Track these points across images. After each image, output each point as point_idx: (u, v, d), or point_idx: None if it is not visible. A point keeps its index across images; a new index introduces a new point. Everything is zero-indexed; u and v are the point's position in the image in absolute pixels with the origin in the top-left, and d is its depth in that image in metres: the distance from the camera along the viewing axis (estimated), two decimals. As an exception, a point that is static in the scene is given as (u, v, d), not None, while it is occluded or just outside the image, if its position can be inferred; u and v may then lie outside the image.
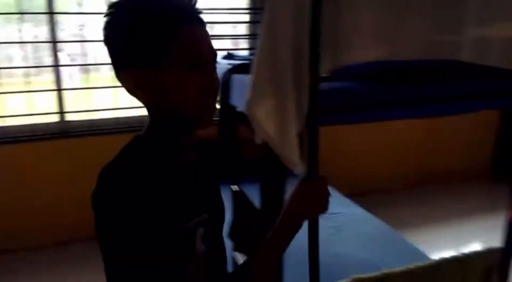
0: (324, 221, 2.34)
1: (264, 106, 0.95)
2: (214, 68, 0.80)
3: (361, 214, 2.39)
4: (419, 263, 1.46)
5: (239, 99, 1.39)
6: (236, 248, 1.53)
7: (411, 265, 1.45)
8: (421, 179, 3.70)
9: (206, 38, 0.78)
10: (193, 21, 0.75)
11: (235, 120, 1.70)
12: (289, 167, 1.02)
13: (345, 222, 2.26)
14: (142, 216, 0.69)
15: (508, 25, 1.20)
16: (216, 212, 0.93)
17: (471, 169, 3.91)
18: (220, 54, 1.58)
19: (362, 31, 1.04)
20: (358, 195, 3.20)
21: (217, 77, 0.80)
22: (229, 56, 1.90)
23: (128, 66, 0.74)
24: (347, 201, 2.56)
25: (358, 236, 2.08)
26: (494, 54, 1.17)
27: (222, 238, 0.98)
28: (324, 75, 1.04)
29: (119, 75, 0.77)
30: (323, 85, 1.01)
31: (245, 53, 2.48)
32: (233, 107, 1.60)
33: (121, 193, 0.70)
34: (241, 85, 1.36)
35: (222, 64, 1.83)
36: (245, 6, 3.21)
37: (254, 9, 3.08)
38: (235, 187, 1.58)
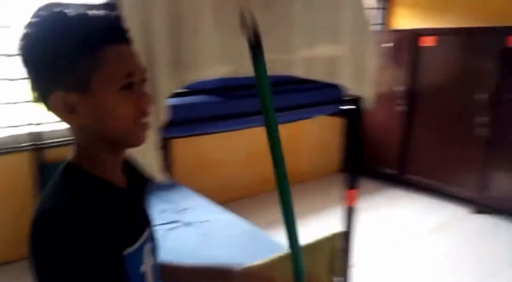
0: (194, 229, 2.42)
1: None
2: (145, 86, 0.78)
3: (229, 219, 2.54)
4: (276, 254, 1.65)
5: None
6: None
7: (269, 257, 1.64)
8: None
9: (134, 57, 0.75)
10: (120, 40, 0.72)
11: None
12: (151, 175, 1.09)
13: (214, 228, 2.38)
14: (95, 242, 0.67)
15: (328, 47, 1.46)
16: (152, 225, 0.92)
17: (324, 167, 4.44)
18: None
19: (209, 52, 1.17)
20: (229, 201, 3.38)
21: (148, 94, 0.77)
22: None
23: (55, 90, 0.70)
24: (216, 208, 2.70)
25: (226, 239, 2.22)
26: (318, 70, 1.42)
27: None
28: (177, 91, 1.14)
29: (45, 99, 0.72)
30: (176, 100, 1.12)
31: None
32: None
33: (70, 223, 0.66)
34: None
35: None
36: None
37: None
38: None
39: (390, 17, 4.43)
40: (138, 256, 0.78)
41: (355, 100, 1.61)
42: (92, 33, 0.69)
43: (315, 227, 3.22)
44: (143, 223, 0.85)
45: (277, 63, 1.35)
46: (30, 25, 0.69)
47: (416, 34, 3.75)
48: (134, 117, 0.74)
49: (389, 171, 4.15)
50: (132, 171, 0.91)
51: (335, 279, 1.78)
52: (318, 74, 1.41)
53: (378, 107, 3.55)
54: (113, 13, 0.74)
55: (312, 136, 4.27)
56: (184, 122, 1.21)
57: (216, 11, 1.14)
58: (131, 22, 1.03)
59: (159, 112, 1.09)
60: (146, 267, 0.81)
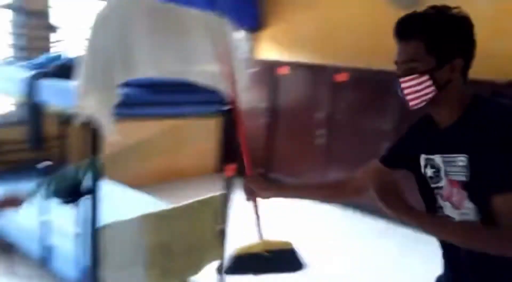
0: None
1: (91, 97, 1.66)
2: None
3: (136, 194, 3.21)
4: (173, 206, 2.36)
5: (56, 98, 2.00)
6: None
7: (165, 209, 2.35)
8: (167, 175, 4.73)
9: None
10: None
11: (42, 117, 2.22)
12: (105, 133, 1.73)
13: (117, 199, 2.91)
14: None
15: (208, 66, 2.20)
16: None
17: (202, 165, 5.19)
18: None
19: (145, 58, 1.83)
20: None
21: None
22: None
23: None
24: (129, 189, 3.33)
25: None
26: (207, 78, 2.18)
27: None
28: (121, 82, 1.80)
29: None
30: (120, 90, 1.79)
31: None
32: (40, 106, 2.15)
33: None
34: (57, 88, 1.99)
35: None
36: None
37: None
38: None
39: (255, 49, 5.48)
40: None
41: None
42: None
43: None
44: None
45: (183, 72, 2.09)
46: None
47: (274, 64, 4.86)
48: None
49: (256, 169, 4.98)
50: None
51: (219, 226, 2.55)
52: (206, 81, 2.17)
53: (246, 119, 4.35)
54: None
55: (193, 138, 4.89)
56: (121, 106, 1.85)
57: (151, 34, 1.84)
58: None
59: (111, 93, 1.73)
60: None
